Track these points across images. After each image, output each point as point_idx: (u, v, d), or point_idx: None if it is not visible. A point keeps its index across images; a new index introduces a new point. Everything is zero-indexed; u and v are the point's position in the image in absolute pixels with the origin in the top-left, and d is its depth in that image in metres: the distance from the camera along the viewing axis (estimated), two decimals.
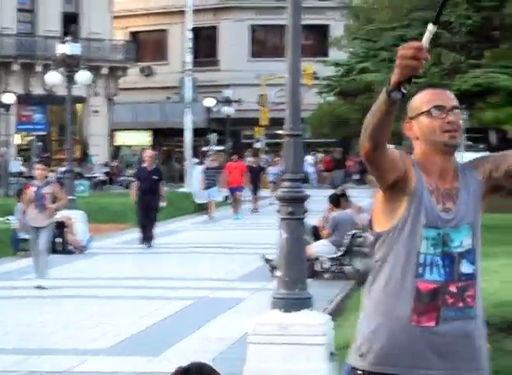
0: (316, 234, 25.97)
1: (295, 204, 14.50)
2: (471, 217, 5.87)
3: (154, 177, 32.56)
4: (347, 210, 27.33)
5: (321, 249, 25.32)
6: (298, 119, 15.03)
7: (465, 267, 5.73)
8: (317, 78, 40.52)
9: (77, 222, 32.80)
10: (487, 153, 40.09)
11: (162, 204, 33.98)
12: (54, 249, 29.65)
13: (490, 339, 12.93)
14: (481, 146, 58.68)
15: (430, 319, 5.57)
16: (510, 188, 6.09)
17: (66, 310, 21.26)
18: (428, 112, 5.65)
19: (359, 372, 5.75)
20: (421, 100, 5.73)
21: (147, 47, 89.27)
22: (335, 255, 25.65)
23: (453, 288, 5.66)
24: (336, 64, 40.55)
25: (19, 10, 70.03)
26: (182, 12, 76.13)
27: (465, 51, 31.22)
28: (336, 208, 27.08)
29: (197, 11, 74.26)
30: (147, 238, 32.04)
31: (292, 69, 15.35)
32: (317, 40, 65.52)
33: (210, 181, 45.13)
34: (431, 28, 4.95)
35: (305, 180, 31.56)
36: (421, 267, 5.64)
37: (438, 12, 5.14)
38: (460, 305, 5.62)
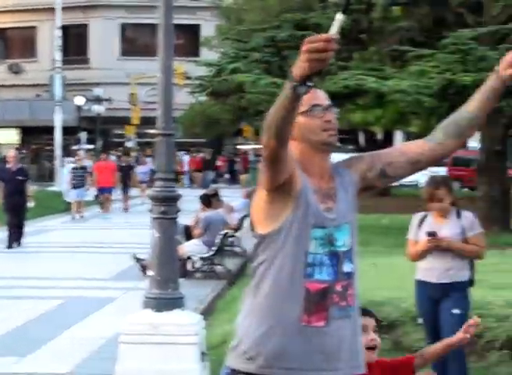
0: (188, 234, 25.84)
1: (167, 203, 14.32)
2: (350, 216, 5.85)
3: (19, 178, 31.80)
4: (219, 210, 27.25)
5: (192, 249, 25.14)
6: (170, 119, 14.64)
7: (346, 266, 5.70)
8: (188, 78, 40.03)
9: None
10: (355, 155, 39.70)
11: (30, 204, 32.86)
12: None
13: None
14: (350, 147, 59.88)
15: (320, 319, 5.54)
16: (381, 188, 6.40)
17: None
18: (306, 112, 5.59)
19: None
20: (305, 99, 5.55)
21: (15, 44, 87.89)
22: (206, 255, 25.48)
23: (339, 287, 5.64)
24: (208, 64, 40.07)
25: None
26: (51, 10, 73.59)
27: (335, 53, 29.95)
28: (207, 208, 26.92)
29: (66, 8, 72.77)
30: (16, 240, 31.12)
31: (164, 68, 15.50)
32: (188, 39, 65.94)
33: (78, 181, 43.92)
34: (339, 17, 4.85)
35: (176, 179, 32.04)
36: (309, 267, 5.60)
37: (346, 0, 5.22)
38: (344, 304, 5.60)
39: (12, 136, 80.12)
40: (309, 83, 4.88)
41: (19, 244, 30.86)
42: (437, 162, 6.28)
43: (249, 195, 35.30)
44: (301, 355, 5.61)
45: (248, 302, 5.81)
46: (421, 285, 11.86)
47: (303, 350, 5.59)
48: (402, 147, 6.46)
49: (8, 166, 32.85)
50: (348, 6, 5.08)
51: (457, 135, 5.85)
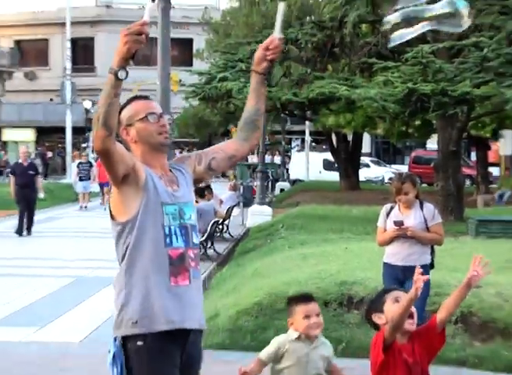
0: None
1: None
2: (192, 198, 6.56)
3: (30, 172, 31.00)
4: (211, 201, 27.39)
5: None
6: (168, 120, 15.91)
7: (194, 237, 6.28)
8: (183, 85, 39.92)
9: None
10: (328, 154, 39.63)
11: (40, 195, 32.62)
12: None
13: (334, 313, 13.38)
14: (324, 147, 60.56)
15: (185, 279, 6.12)
16: (208, 179, 7.66)
17: None
18: (143, 119, 6.23)
19: (138, 339, 6.13)
20: (135, 109, 6.36)
21: (30, 54, 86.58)
22: (200, 240, 26.18)
23: (191, 254, 6.21)
24: (200, 73, 39.12)
25: None
26: (62, 24, 72.23)
27: (311, 65, 31.59)
28: (200, 199, 26.40)
29: (75, 23, 72.81)
30: (27, 228, 30.10)
31: (162, 76, 16.00)
32: (182, 51, 65.37)
33: (84, 174, 43.78)
34: (150, 5, 5.78)
35: None
36: (168, 238, 6.17)
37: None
38: (196, 268, 6.20)
39: (28, 135, 79.36)
40: (127, 68, 5.65)
41: (29, 232, 30.06)
42: (247, 154, 7.37)
43: (234, 188, 37.83)
44: (177, 309, 6.08)
45: (123, 281, 6.23)
46: (388, 267, 12.07)
47: (177, 305, 6.07)
48: (222, 145, 7.06)
49: (19, 161, 32.60)
50: None
51: (252, 129, 6.66)
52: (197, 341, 6.55)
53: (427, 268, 11.75)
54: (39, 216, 35.32)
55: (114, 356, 6.25)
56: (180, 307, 6.19)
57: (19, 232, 29.69)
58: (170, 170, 6.58)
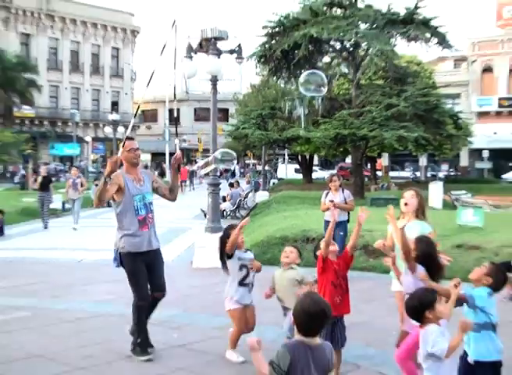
0: (224, 199, 27.33)
1: (215, 186, 16.40)
2: (149, 189, 7.66)
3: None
4: (238, 189, 30.01)
5: (226, 206, 27.48)
6: (216, 149, 14.90)
7: (152, 207, 7.58)
8: (223, 131, 43.54)
9: None
10: (296, 165, 47.75)
11: None
12: None
13: (300, 244, 13.37)
14: (294, 162, 60.42)
15: (145, 228, 7.41)
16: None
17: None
18: (129, 150, 7.54)
19: (124, 252, 7.42)
20: (126, 145, 7.54)
21: (148, 116, 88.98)
22: (231, 209, 28.33)
23: (150, 216, 7.54)
24: (232, 125, 42.35)
25: None
26: (164, 102, 77.35)
27: (287, 120, 33.86)
28: (232, 188, 29.92)
29: (171, 101, 76.52)
30: None
31: (213, 126, 16.69)
32: (223, 114, 65.42)
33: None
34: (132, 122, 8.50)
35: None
36: (136, 210, 7.46)
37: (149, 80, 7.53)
38: (152, 222, 7.57)
39: (147, 157, 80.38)
40: (111, 178, 7.00)
41: None
42: (168, 200, 7.94)
43: (249, 182, 39.90)
44: (143, 243, 7.41)
45: (118, 230, 7.54)
46: (326, 222, 12.73)
47: (142, 240, 7.38)
48: (164, 186, 7.94)
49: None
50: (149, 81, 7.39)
51: (170, 194, 7.90)
52: (157, 252, 7.60)
53: (346, 222, 12.99)
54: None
55: (115, 257, 7.57)
56: (143, 241, 7.39)
57: None
58: (142, 174, 7.71)
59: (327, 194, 13.04)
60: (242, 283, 7.02)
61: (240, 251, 7.07)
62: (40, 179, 24.35)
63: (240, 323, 7.05)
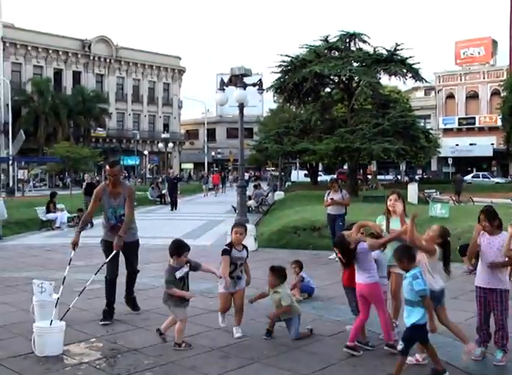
0: (249, 198, 26.31)
1: (242, 187, 16.70)
2: (122, 203, 7.21)
3: (175, 181, 29.02)
4: (260, 190, 29.58)
5: (251, 203, 26.54)
6: (243, 159, 17.38)
7: (121, 217, 7.24)
8: (249, 145, 41.86)
9: None
10: (305, 171, 46.80)
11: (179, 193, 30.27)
12: None
13: (308, 233, 14.49)
14: (304, 168, 59.65)
15: (114, 233, 7.17)
16: None
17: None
18: (106, 171, 7.28)
19: (103, 240, 7.39)
20: (106, 169, 7.30)
21: (191, 134, 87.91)
22: (256, 205, 27.55)
23: (119, 224, 7.23)
24: (256, 141, 43.14)
25: None
26: (203, 123, 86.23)
27: (298, 137, 32.65)
28: (256, 189, 29.06)
29: (209, 123, 78.66)
30: (173, 207, 27.90)
31: (241, 142, 16.70)
32: (248, 132, 60.69)
33: (205, 181, 44.08)
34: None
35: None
36: (109, 219, 7.28)
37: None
38: (120, 226, 7.12)
39: (190, 166, 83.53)
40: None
41: (173, 208, 27.80)
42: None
43: (269, 184, 39.21)
44: (110, 236, 7.31)
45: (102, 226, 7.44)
46: (328, 215, 12.75)
47: (110, 235, 7.28)
48: (130, 206, 7.28)
49: (169, 175, 31.56)
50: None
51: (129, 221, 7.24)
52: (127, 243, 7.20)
53: (343, 215, 12.58)
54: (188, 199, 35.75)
55: (101, 242, 7.49)
56: (110, 235, 7.24)
57: (171, 209, 27.70)
58: (119, 191, 7.28)
59: (328, 194, 12.70)
60: (229, 276, 6.53)
61: (235, 250, 6.60)
62: (84, 185, 22.62)
63: (222, 304, 6.73)
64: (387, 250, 6.23)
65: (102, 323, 7.10)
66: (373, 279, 5.91)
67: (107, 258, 7.04)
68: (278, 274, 6.48)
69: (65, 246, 15.38)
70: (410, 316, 5.05)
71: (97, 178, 23.51)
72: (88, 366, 5.61)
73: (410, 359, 5.40)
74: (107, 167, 7.18)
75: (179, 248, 6.07)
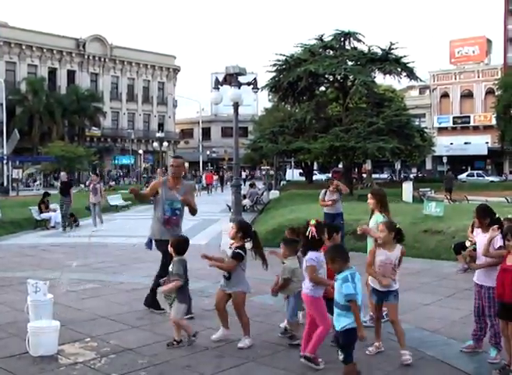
0: (244, 197, 25.40)
1: (237, 186, 16.62)
2: (178, 198, 7.42)
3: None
4: (255, 189, 29.46)
5: (245, 202, 26.13)
6: (238, 158, 17.26)
7: (178, 211, 7.45)
8: (244, 144, 40.80)
9: None
10: (300, 169, 46.26)
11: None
12: None
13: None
14: (299, 167, 59.27)
15: (171, 224, 7.31)
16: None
17: None
18: (171, 166, 7.55)
19: (156, 240, 7.43)
20: (171, 161, 7.71)
21: (186, 134, 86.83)
22: (251, 204, 27.52)
23: (174, 218, 7.40)
24: (250, 140, 41.45)
25: None
26: (198, 122, 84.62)
27: (293, 136, 32.36)
28: (251, 188, 28.64)
29: (203, 122, 78.01)
30: None
31: (235, 141, 16.77)
32: (243, 131, 60.34)
33: (199, 180, 45.02)
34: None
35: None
36: (165, 211, 7.44)
37: None
38: (176, 223, 7.42)
39: (185, 165, 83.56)
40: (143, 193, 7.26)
41: None
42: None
43: (264, 183, 39.16)
44: (165, 232, 7.34)
45: (152, 220, 7.62)
46: (327, 214, 12.37)
47: (165, 231, 7.31)
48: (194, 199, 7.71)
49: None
50: None
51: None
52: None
53: (342, 214, 12.58)
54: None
55: (147, 241, 7.73)
56: (166, 232, 7.26)
57: None
58: (180, 186, 7.52)
59: (325, 193, 12.54)
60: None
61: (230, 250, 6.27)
62: (59, 184, 20.88)
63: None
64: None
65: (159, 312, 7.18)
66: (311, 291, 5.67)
67: (165, 257, 6.98)
68: (289, 245, 6.30)
69: (59, 246, 15.43)
70: (339, 320, 4.92)
71: (63, 176, 21.55)
72: (83, 365, 5.60)
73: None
74: (172, 160, 7.47)
75: (186, 243, 6.25)
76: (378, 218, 6.94)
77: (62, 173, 22.05)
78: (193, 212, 7.42)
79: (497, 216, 6.10)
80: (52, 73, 64.02)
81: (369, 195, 7.12)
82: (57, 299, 6.53)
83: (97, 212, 20.06)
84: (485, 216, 5.87)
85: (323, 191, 12.61)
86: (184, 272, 6.04)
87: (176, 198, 7.22)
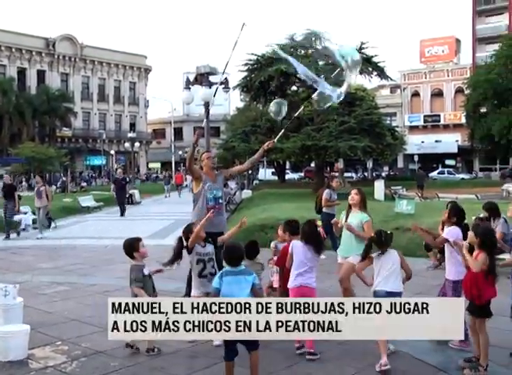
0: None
1: None
2: (221, 186, 7.58)
3: (123, 182, 26.53)
4: (228, 188, 29.37)
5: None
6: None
7: (220, 200, 7.50)
8: (215, 144, 41.18)
9: None
10: (273, 169, 45.36)
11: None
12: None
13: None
14: (272, 166, 59.06)
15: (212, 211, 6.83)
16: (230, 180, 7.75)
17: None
18: (208, 158, 7.49)
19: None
20: (205, 155, 7.64)
21: (158, 134, 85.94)
22: (224, 203, 29.42)
23: (218, 206, 7.36)
24: (222, 139, 41.82)
25: None
26: (170, 122, 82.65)
27: (266, 136, 30.92)
28: (224, 187, 29.70)
29: (175, 122, 76.02)
30: (121, 213, 25.13)
31: (207, 140, 16.74)
32: (215, 131, 62.38)
33: (167, 180, 43.29)
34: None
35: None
36: (208, 201, 7.38)
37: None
38: (219, 211, 7.32)
39: (158, 165, 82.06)
40: (197, 144, 6.97)
41: (122, 214, 24.78)
42: (246, 171, 8.06)
43: (237, 182, 38.38)
44: (208, 225, 6.47)
45: (193, 210, 7.59)
46: (329, 215, 11.84)
47: (212, 223, 6.80)
48: (236, 167, 8.35)
49: (117, 176, 28.22)
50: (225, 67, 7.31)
51: (250, 162, 8.05)
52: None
53: (333, 216, 11.44)
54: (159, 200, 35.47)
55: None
56: (212, 224, 6.80)
57: (122, 214, 24.97)
58: (216, 175, 7.61)
59: (330, 193, 12.45)
60: (201, 275, 6.12)
61: (198, 246, 6.12)
62: (1, 186, 19.29)
63: None
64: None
65: None
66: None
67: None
68: (288, 228, 6.55)
69: (29, 248, 15.25)
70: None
71: (7, 178, 19.64)
72: (54, 369, 5.53)
73: None
74: (206, 153, 7.60)
75: (131, 244, 6.05)
76: (362, 217, 6.99)
77: (6, 176, 20.24)
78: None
79: (466, 215, 6.38)
80: (22, 73, 63.42)
81: (354, 191, 7.07)
82: (27, 302, 6.47)
83: (41, 218, 18.15)
84: (455, 214, 6.18)
85: (327, 190, 12.43)
86: (142, 275, 5.86)
87: (217, 187, 7.35)
